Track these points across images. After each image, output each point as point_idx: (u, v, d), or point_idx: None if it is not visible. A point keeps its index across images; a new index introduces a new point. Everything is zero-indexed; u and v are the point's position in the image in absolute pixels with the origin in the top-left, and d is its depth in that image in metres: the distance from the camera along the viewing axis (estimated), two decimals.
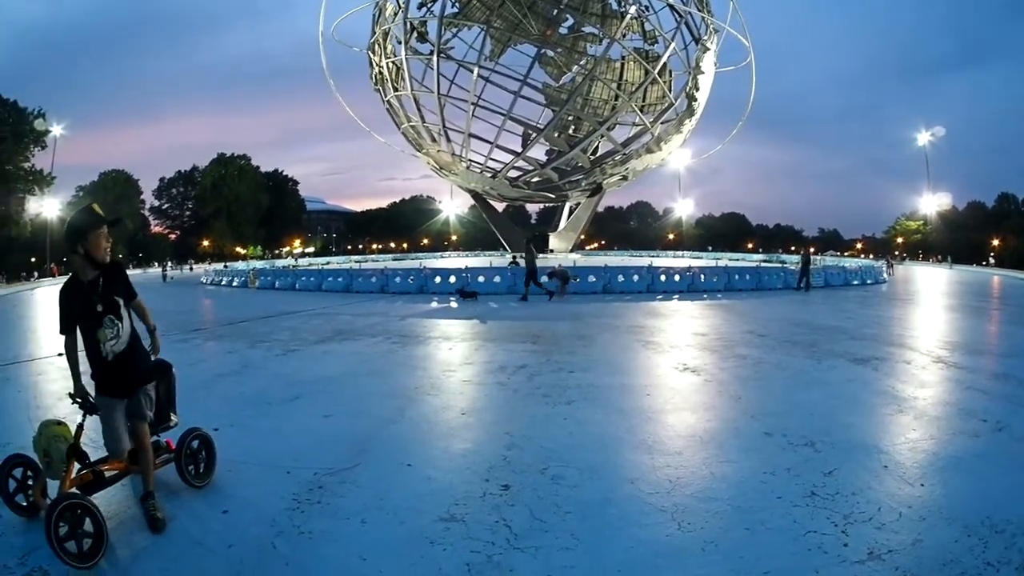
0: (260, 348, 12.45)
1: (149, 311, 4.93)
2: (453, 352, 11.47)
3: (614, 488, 4.89)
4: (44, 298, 33.82)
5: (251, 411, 7.87)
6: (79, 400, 4.64)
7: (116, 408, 4.65)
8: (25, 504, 4.69)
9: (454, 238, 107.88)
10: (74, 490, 4.34)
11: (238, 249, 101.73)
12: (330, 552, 4.15)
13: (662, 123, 43.22)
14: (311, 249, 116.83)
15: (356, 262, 41.30)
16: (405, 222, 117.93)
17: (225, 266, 56.58)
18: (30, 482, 4.72)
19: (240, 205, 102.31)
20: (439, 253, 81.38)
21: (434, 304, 21.89)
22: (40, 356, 12.64)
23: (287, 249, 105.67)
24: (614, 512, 4.44)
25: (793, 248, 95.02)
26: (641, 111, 43.04)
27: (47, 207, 64.55)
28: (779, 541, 3.94)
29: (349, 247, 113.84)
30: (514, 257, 36.19)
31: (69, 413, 7.54)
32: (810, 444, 5.68)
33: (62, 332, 4.57)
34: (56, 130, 65.94)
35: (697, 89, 39.67)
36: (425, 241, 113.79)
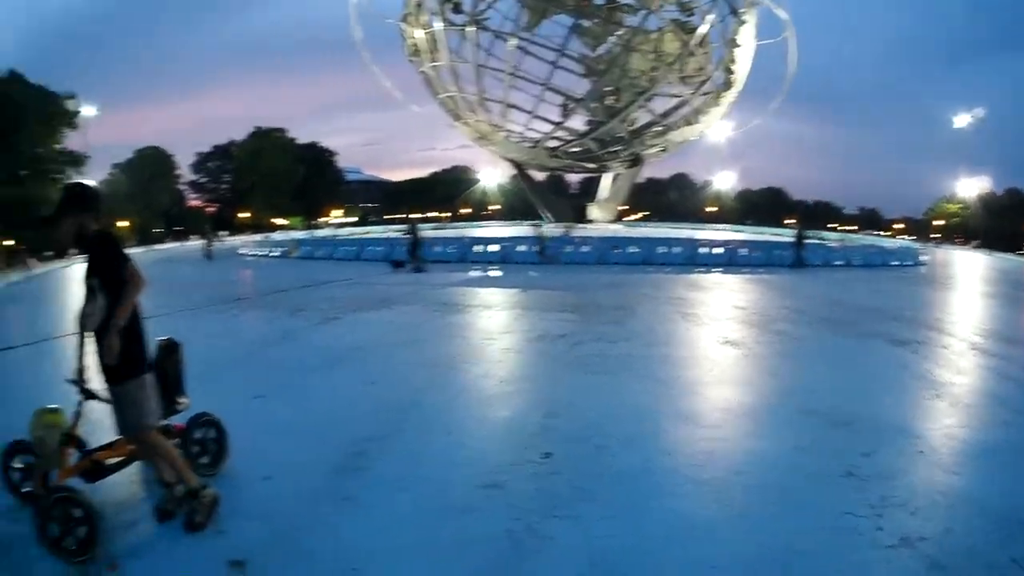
0: (300, 317, 12.55)
1: (127, 307, 4.08)
2: (493, 321, 11.56)
3: (652, 459, 4.89)
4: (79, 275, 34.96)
5: (293, 379, 7.94)
6: (76, 383, 4.45)
7: None
8: (28, 492, 4.60)
9: (494, 208, 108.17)
10: (66, 483, 4.20)
11: (276, 220, 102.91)
12: (371, 518, 4.18)
13: (701, 95, 42.61)
14: (352, 219, 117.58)
15: (397, 231, 41.48)
16: (445, 192, 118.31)
17: (266, 237, 57.26)
18: (33, 469, 4.59)
19: (277, 177, 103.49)
20: (479, 223, 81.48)
21: (473, 273, 21.87)
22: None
23: (325, 220, 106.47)
24: (652, 483, 4.46)
25: (832, 225, 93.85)
26: (680, 82, 42.45)
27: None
28: (812, 520, 3.93)
29: (389, 217, 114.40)
30: (567, 227, 36.79)
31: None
32: (847, 424, 5.64)
33: None
34: (88, 111, 66.88)
35: (734, 62, 39.22)
36: (465, 211, 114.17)
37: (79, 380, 4.41)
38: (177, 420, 4.91)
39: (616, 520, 3.92)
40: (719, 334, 9.84)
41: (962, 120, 79.08)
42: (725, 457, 4.84)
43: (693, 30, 40.93)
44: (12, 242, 66.60)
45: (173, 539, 4.09)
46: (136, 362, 4.18)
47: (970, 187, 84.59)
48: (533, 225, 35.57)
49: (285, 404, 6.79)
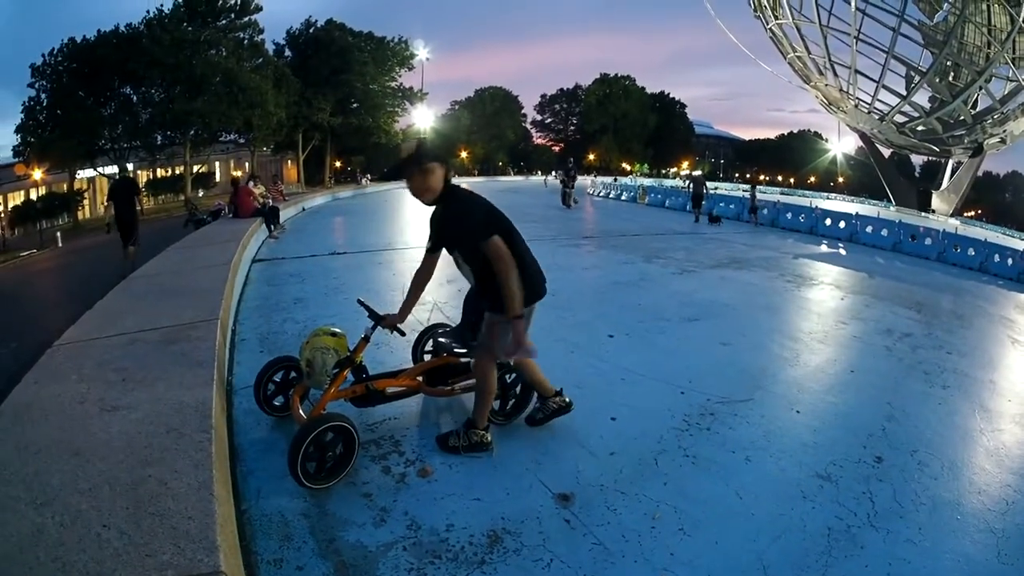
0: (656, 264, 13.40)
1: (511, 269, 4.10)
2: (844, 303, 11.72)
3: (964, 492, 4.82)
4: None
5: (648, 325, 8.50)
6: (365, 306, 4.66)
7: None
8: (279, 405, 4.85)
9: (840, 180, 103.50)
10: (335, 406, 4.41)
11: (624, 165, 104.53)
12: (709, 481, 4.45)
13: None
14: (698, 172, 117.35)
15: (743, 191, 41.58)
16: (792, 156, 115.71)
17: (615, 180, 59.03)
18: (294, 385, 4.74)
19: (628, 122, 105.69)
20: (824, 194, 78.39)
21: (824, 247, 21.90)
22: (417, 245, 14.42)
23: (674, 170, 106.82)
24: (956, 518, 4.42)
25: None
26: (1013, 64, 39.08)
27: (420, 118, 74.92)
28: None
29: (737, 175, 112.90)
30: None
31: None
32: None
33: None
34: (422, 53, 76.04)
35: None
36: (812, 179, 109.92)
37: (368, 306, 4.65)
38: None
39: (918, 547, 3.99)
40: None
41: None
42: (1020, 511, 4.63)
43: (1020, 4, 37.66)
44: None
45: (495, 460, 4.53)
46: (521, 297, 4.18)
47: None
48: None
49: (636, 349, 7.26)
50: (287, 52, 72.02)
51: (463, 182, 64.33)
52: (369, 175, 61.38)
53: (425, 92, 78.45)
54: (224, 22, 59.26)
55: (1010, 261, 22.99)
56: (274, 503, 3.83)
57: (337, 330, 4.54)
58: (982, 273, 22.43)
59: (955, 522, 4.38)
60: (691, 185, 32.09)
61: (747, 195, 30.64)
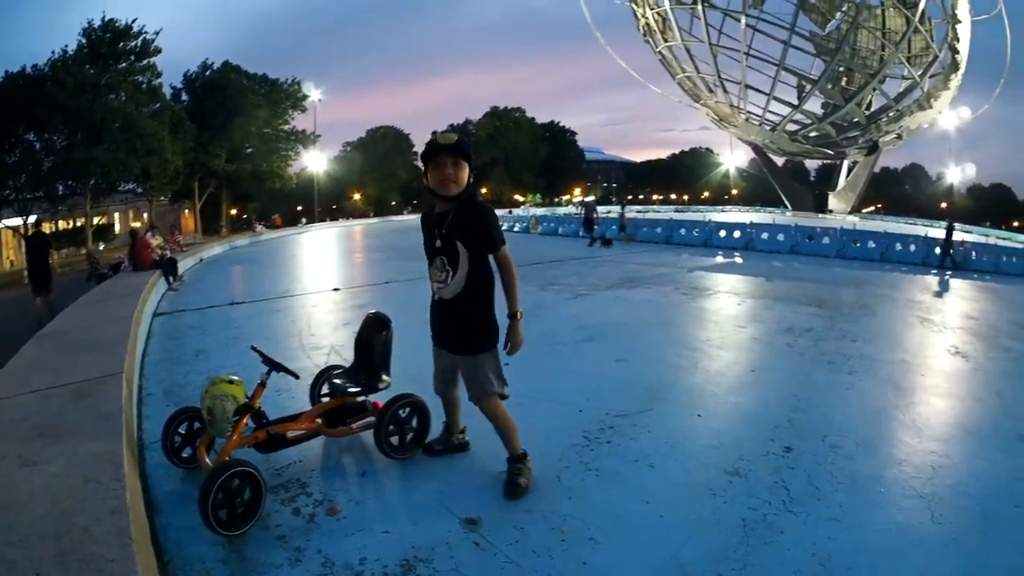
0: (550, 291, 13.38)
1: (516, 275, 4.30)
2: (742, 308, 11.87)
3: (884, 466, 4.94)
4: (311, 240, 38.56)
5: (544, 349, 8.29)
6: (260, 352, 4.68)
7: (439, 356, 4.55)
8: (187, 457, 4.72)
9: (734, 192, 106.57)
10: (239, 453, 4.36)
11: (516, 197, 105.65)
12: (614, 491, 4.44)
13: (930, 77, 41.21)
14: (591, 198, 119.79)
15: (637, 212, 42.57)
16: (685, 174, 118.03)
17: (509, 212, 59.48)
18: (199, 435, 4.65)
19: (519, 154, 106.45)
20: (719, 207, 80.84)
21: (719, 259, 22.23)
22: (314, 291, 14.67)
23: (566, 197, 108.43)
24: (879, 490, 4.52)
25: None
26: (908, 63, 41.06)
27: (313, 161, 73.15)
28: (1013, 557, 3.83)
29: (630, 197, 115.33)
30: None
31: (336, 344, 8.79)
32: None
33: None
34: (315, 95, 74.33)
35: (958, 40, 37.85)
36: (705, 194, 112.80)
37: (260, 351, 4.67)
38: (378, 398, 5.02)
39: (842, 523, 4.03)
40: (951, 343, 9.70)
41: None
42: (949, 475, 4.79)
43: (914, 5, 39.71)
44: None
45: (399, 491, 4.52)
46: (492, 333, 4.33)
47: None
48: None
49: (532, 374, 6.86)
50: (184, 96, 70.54)
51: (358, 224, 64.54)
52: (264, 222, 60.93)
53: (318, 134, 77.18)
54: (124, 65, 57.57)
55: (912, 247, 23.95)
56: (194, 551, 3.79)
57: (234, 377, 4.50)
58: (884, 263, 23.25)
59: (878, 495, 4.47)
60: (583, 210, 32.81)
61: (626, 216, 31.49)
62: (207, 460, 4.33)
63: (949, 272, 21.65)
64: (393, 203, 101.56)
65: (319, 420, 4.88)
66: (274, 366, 4.57)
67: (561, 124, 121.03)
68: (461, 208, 4.16)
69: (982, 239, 35.26)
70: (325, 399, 5.33)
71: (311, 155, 74.28)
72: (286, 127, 75.18)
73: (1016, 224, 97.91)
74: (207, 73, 70.10)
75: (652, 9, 43.82)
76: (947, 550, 3.85)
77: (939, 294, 16.16)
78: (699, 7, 41.59)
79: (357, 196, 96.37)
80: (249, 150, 70.79)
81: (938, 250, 23.70)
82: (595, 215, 30.01)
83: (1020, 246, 27.13)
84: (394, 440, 4.84)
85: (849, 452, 5.16)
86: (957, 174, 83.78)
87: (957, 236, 24.66)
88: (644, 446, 5.21)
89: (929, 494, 4.47)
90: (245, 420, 4.38)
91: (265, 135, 71.15)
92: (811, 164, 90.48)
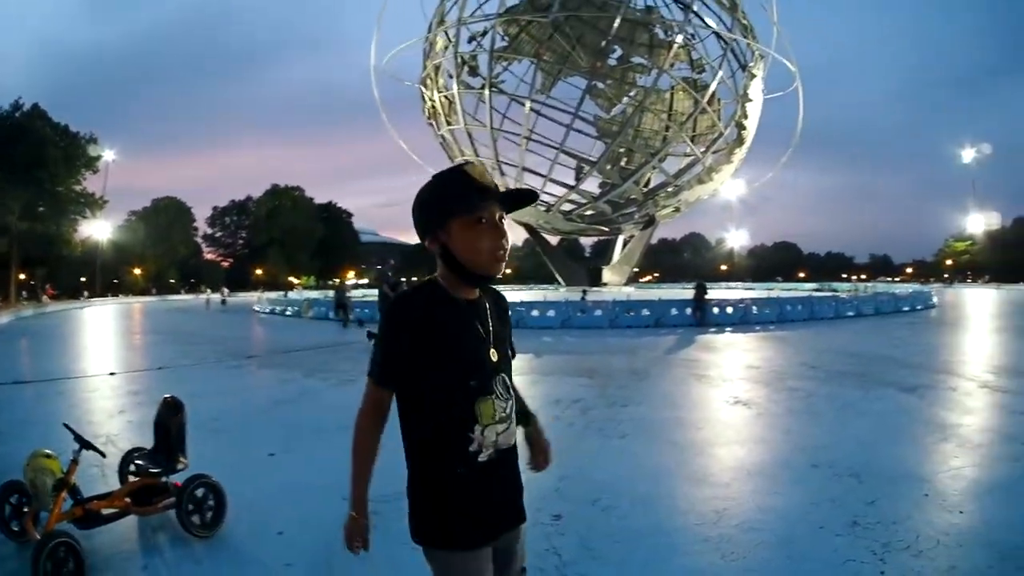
0: (316, 377, 12.93)
1: None
2: None
3: (664, 519, 4.91)
4: (92, 316, 37.44)
5: (309, 439, 8.04)
6: (71, 429, 4.70)
7: (483, 559, 2.29)
8: (17, 530, 4.72)
9: (508, 272, 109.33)
10: (62, 527, 4.28)
11: (291, 279, 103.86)
12: (385, 572, 4.27)
13: (713, 153, 43.31)
14: (364, 280, 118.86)
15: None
16: None
17: (285, 295, 58.21)
18: (25, 508, 4.70)
19: (296, 235, 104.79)
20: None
21: None
22: (92, 374, 13.77)
23: (340, 280, 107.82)
24: (663, 542, 4.47)
25: (847, 276, 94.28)
26: (692, 141, 43.04)
27: (98, 229, 69.44)
28: (818, 570, 3.95)
29: (404, 279, 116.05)
30: (584, 291, 36.88)
31: (118, 432, 8.22)
32: (855, 475, 5.71)
33: (378, 382, 2.31)
34: (108, 155, 70.59)
35: (746, 117, 39.98)
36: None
37: (74, 430, 4.67)
38: (177, 478, 4.95)
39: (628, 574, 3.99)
40: (732, 394, 9.94)
41: (968, 155, 79.73)
42: (736, 515, 4.86)
43: (705, 87, 41.91)
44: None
45: None
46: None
47: (978, 223, 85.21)
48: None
49: (298, 463, 6.91)
50: None
51: (137, 301, 60.51)
52: (50, 291, 55.47)
53: (106, 200, 71.16)
54: None
55: (688, 311, 24.59)
56: None
57: (50, 452, 4.59)
58: (660, 327, 23.98)
59: (660, 547, 4.42)
60: (336, 294, 33.06)
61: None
62: (35, 532, 4.41)
63: (727, 328, 22.82)
64: (171, 280, 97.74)
65: (127, 499, 4.83)
66: (84, 444, 4.58)
67: (338, 204, 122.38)
68: (490, 294, 2.41)
69: (764, 294, 38.35)
70: (132, 479, 5.28)
71: (97, 223, 69.65)
72: (77, 187, 67.56)
73: (801, 275, 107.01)
74: (16, 114, 61.71)
75: (440, 92, 44.03)
76: None
77: (718, 350, 16.71)
78: (486, 91, 42.11)
79: (138, 271, 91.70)
80: (42, 209, 63.22)
81: (688, 310, 24.98)
82: (347, 299, 30.27)
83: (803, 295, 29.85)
84: (195, 519, 4.80)
85: (623, 512, 5.08)
86: (740, 238, 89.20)
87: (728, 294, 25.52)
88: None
89: (715, 536, 4.50)
90: (63, 495, 4.35)
91: (59, 194, 63.29)
92: (586, 240, 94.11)
